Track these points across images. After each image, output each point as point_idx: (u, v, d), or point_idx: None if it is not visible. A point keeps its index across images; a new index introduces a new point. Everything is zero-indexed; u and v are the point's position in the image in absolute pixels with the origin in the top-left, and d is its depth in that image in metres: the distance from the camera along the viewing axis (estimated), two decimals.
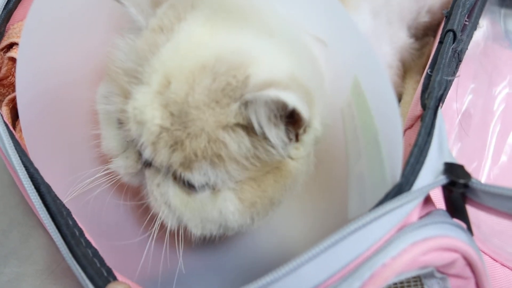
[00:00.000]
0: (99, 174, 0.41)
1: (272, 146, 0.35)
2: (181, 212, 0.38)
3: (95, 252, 0.34)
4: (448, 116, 0.49)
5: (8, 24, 0.49)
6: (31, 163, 0.36)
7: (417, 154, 0.32)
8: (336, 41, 0.38)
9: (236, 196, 0.37)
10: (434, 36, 0.55)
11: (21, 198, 0.51)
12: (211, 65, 0.34)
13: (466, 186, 0.31)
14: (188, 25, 0.36)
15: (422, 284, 0.32)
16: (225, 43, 0.36)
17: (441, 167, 0.32)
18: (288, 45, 0.38)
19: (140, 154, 0.37)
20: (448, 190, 0.32)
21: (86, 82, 0.44)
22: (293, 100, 0.31)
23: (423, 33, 0.58)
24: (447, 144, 0.33)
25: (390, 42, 0.54)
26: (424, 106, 0.36)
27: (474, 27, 0.46)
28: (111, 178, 0.41)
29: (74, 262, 0.33)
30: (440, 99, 0.35)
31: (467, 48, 0.45)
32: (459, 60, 0.43)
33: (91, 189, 0.42)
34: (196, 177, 0.35)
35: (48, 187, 0.35)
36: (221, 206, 0.37)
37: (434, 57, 0.40)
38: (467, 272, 0.32)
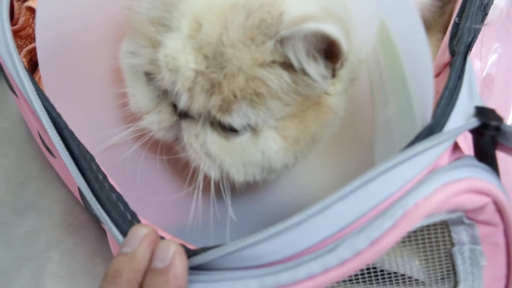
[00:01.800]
0: (128, 133, 0.40)
1: (313, 80, 0.35)
2: (221, 159, 0.37)
3: (119, 196, 0.34)
4: None
5: None
6: (53, 108, 0.36)
7: (448, 97, 0.31)
8: None
9: (278, 134, 0.36)
10: None
11: (38, 152, 0.51)
12: (242, 2, 0.34)
13: (497, 129, 0.30)
14: None
15: (449, 231, 0.32)
16: None
17: (471, 110, 0.32)
18: None
19: (174, 106, 0.37)
20: (479, 133, 0.31)
21: (106, 38, 0.43)
22: (334, 32, 0.31)
23: None
24: (477, 90, 0.33)
25: None
26: (453, 52, 0.35)
27: None
28: (143, 137, 0.40)
29: (98, 205, 0.33)
30: (469, 46, 0.35)
31: (492, 3, 0.44)
32: (485, 14, 0.42)
33: (121, 150, 0.41)
34: (236, 120, 0.35)
35: (71, 132, 0.35)
36: (263, 146, 0.36)
37: (461, 6, 0.39)
38: (496, 218, 0.32)
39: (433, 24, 0.55)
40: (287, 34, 0.32)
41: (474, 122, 0.31)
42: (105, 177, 0.34)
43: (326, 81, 0.36)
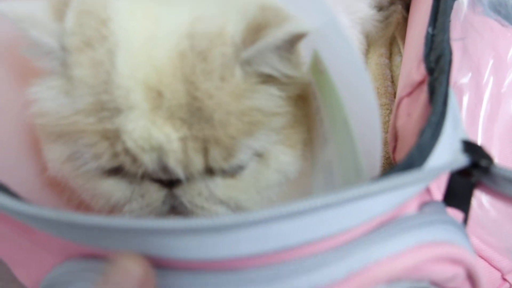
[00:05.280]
0: None
1: (293, 77, 0.32)
2: (236, 198, 0.33)
3: None
4: None
5: None
6: None
7: (434, 124, 0.25)
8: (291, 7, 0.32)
9: (285, 145, 0.33)
10: (402, 4, 0.51)
11: None
12: (188, 47, 0.30)
13: (486, 170, 0.25)
14: (118, 22, 0.30)
15: None
16: (176, 18, 0.31)
17: (457, 145, 0.26)
18: None
19: (159, 181, 0.32)
20: (463, 173, 0.25)
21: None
22: (302, 26, 0.28)
23: (389, 1, 0.52)
24: (461, 119, 0.28)
25: (348, 13, 0.49)
26: (431, 70, 0.30)
27: None
28: None
29: None
30: (451, 63, 0.29)
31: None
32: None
33: None
34: (242, 157, 0.31)
35: None
36: (276, 164, 0.33)
37: (432, 14, 0.34)
38: (466, 286, 0.27)
39: (376, 38, 0.52)
40: (253, 53, 0.30)
41: (464, 161, 0.25)
42: None
43: (301, 66, 0.33)
